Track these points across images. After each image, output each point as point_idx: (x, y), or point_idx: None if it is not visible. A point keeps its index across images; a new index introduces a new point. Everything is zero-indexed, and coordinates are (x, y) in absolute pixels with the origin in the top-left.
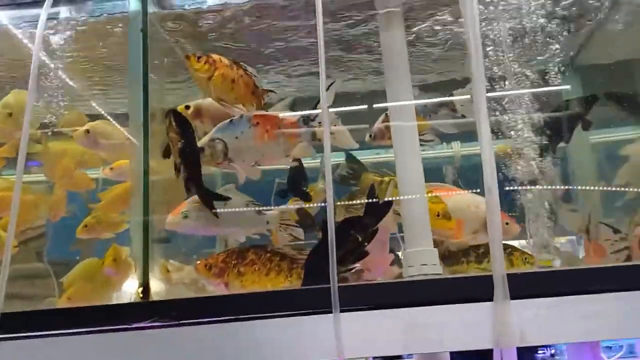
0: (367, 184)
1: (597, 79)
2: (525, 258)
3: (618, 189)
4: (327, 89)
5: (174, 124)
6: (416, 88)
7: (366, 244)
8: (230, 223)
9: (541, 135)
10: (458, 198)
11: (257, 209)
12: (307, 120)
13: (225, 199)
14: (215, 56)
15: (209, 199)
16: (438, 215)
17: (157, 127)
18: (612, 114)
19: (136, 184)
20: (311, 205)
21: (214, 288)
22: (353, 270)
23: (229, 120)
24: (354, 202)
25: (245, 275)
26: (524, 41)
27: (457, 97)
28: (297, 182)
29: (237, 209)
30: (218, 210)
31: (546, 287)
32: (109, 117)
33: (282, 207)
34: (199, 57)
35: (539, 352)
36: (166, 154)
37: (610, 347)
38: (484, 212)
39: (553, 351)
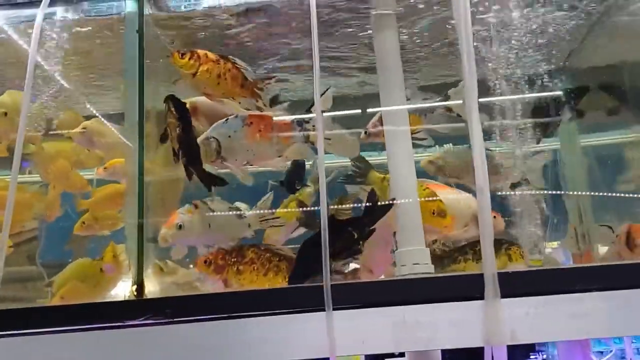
0: (373, 182)
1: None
2: (523, 252)
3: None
4: (322, 95)
5: (172, 109)
6: (413, 87)
7: (361, 242)
8: (218, 229)
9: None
10: (447, 193)
11: (240, 213)
12: (301, 122)
13: (224, 183)
14: (200, 52)
15: (209, 180)
16: (433, 213)
17: (151, 127)
18: (605, 106)
19: (131, 183)
20: (305, 209)
21: (212, 285)
22: (348, 270)
23: (224, 119)
24: (343, 205)
25: (243, 274)
26: (516, 43)
27: (448, 103)
28: (295, 176)
29: (225, 215)
30: (208, 214)
31: (537, 286)
32: (101, 118)
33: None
34: (182, 54)
35: (531, 356)
36: (163, 139)
37: (602, 352)
38: (472, 205)
39: (545, 356)
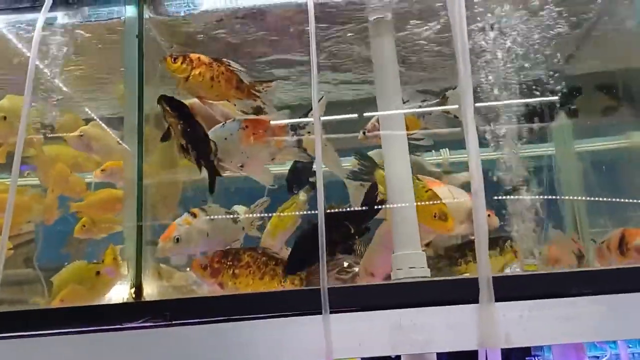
0: (378, 180)
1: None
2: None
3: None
4: (319, 101)
5: (168, 108)
6: (411, 89)
7: (357, 237)
8: (215, 237)
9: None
10: (442, 189)
11: (235, 217)
12: (296, 128)
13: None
14: (193, 55)
15: (214, 177)
16: (435, 216)
17: (150, 130)
18: (602, 107)
19: (129, 186)
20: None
21: (208, 288)
22: (350, 274)
23: (223, 122)
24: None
25: (239, 278)
26: (513, 49)
27: (445, 107)
28: (301, 174)
29: (222, 221)
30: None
31: (531, 290)
32: (99, 122)
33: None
34: (175, 58)
35: None
36: (165, 138)
37: (598, 357)
38: (468, 202)
39: None
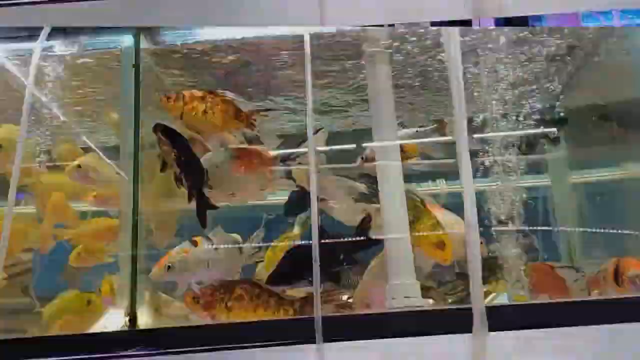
0: None
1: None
2: None
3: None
4: (315, 133)
5: (162, 136)
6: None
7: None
8: (216, 266)
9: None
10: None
11: (241, 247)
12: (286, 159)
13: (215, 207)
14: (186, 92)
15: (204, 209)
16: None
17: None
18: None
19: (126, 215)
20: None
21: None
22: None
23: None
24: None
25: (233, 310)
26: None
27: (440, 139)
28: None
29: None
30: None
31: (524, 320)
32: (98, 151)
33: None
34: (168, 97)
35: None
36: (163, 168)
37: None
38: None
39: None
